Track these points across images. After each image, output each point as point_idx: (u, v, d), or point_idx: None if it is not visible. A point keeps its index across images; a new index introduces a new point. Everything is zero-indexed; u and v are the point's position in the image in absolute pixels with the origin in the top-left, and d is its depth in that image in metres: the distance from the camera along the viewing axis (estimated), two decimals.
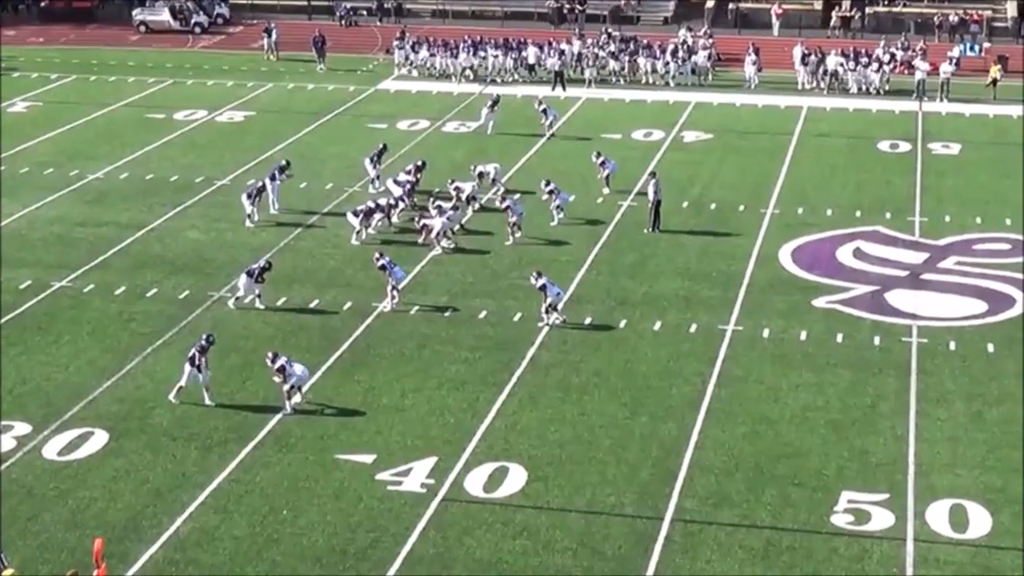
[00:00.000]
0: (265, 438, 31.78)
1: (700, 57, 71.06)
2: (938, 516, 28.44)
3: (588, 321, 38.48)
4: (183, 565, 26.63)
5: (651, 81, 70.35)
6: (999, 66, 67.43)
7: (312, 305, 39.62)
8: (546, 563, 26.83)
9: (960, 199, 50.24)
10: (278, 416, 32.78)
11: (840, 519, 28.39)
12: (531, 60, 71.33)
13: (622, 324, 38.26)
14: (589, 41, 73.42)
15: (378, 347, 36.84)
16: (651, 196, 46.30)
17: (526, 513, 28.64)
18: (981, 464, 30.63)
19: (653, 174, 47.38)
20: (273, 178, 47.90)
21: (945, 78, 66.57)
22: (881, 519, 28.35)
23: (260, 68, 73.70)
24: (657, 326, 38.22)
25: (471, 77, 70.48)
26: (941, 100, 66.07)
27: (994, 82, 66.94)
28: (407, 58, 73.03)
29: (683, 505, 28.97)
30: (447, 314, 39.03)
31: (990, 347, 36.88)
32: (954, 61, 69.09)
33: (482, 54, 71.44)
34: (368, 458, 30.82)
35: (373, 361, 36.01)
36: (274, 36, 76.34)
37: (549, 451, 31.26)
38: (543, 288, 37.77)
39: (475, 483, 29.81)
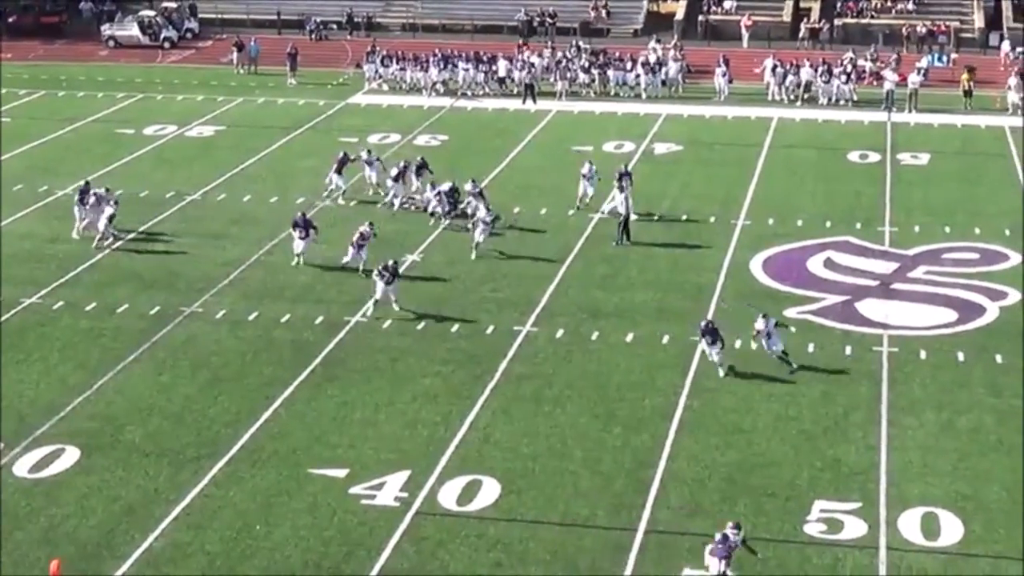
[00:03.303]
0: (237, 453, 31.69)
1: (672, 69, 71.28)
2: (910, 524, 28.56)
3: (560, 333, 38.52)
4: None
5: (621, 93, 70.53)
6: (968, 75, 67.77)
7: (284, 320, 39.55)
8: None
9: (929, 209, 50.48)
10: (251, 431, 32.71)
11: (813, 528, 28.47)
12: (501, 73, 71.43)
13: (594, 336, 38.31)
14: (559, 54, 73.62)
15: (351, 361, 36.81)
16: (620, 210, 46.39)
17: (500, 526, 28.64)
18: (952, 472, 30.76)
19: (621, 187, 47.38)
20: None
21: (913, 89, 66.89)
22: (854, 528, 28.45)
23: (230, 83, 73.59)
24: (629, 338, 38.28)
25: (441, 91, 70.53)
26: (910, 111, 66.40)
27: (967, 92, 67.30)
28: (377, 72, 73.04)
29: (657, 516, 29.02)
30: (420, 327, 39.01)
31: (960, 356, 37.05)
32: (922, 72, 69.44)
33: (453, 68, 71.50)
34: (341, 472, 30.77)
35: (346, 375, 35.97)
36: (253, 52, 76.22)
37: (522, 464, 31.27)
38: (768, 336, 35.90)
39: (448, 496, 29.80)
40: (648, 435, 32.65)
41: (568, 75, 70.51)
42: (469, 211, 46.57)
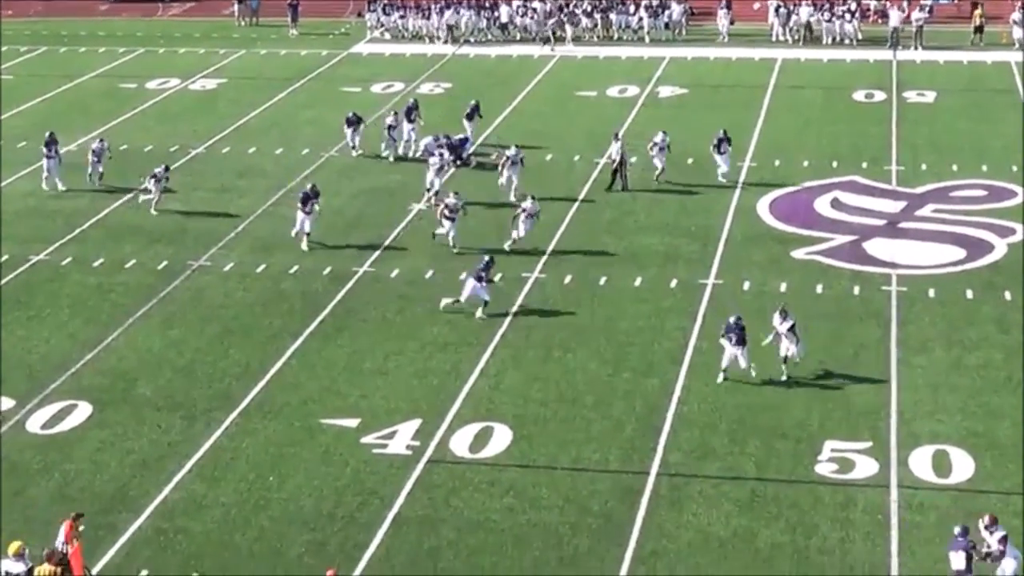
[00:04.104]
0: (249, 405, 31.77)
1: (676, 11, 70.95)
2: (921, 462, 28.60)
3: (568, 279, 38.51)
4: (172, 534, 26.65)
5: (624, 37, 70.23)
6: (980, 11, 67.42)
7: (292, 271, 39.56)
8: (533, 521, 26.92)
9: (936, 147, 50.34)
10: (262, 383, 32.78)
11: (824, 468, 28.53)
12: (503, 19, 71.12)
13: (602, 281, 38.30)
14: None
15: (360, 311, 36.84)
16: (615, 156, 46.09)
17: (512, 472, 28.72)
18: (962, 410, 30.80)
19: (617, 135, 47.11)
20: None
21: (919, 26, 66.57)
22: (865, 467, 28.50)
23: (232, 35, 73.40)
24: (637, 282, 38.27)
25: (445, 38, 70.27)
26: (916, 48, 66.08)
27: (978, 29, 66.96)
28: (379, 20, 72.75)
29: (668, 459, 29.08)
30: (428, 276, 39.01)
31: (969, 293, 37.02)
32: (927, 8, 69.06)
33: (455, 14, 71.22)
34: (353, 422, 30.85)
35: (355, 325, 36.00)
36: (254, 3, 75.89)
37: (533, 410, 31.33)
38: (791, 330, 32.36)
39: (460, 444, 29.88)
40: (658, 379, 32.68)
41: (572, 20, 70.23)
42: (503, 181, 45.72)
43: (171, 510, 27.52)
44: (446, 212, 40.44)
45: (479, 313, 36.00)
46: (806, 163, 48.04)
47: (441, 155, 45.67)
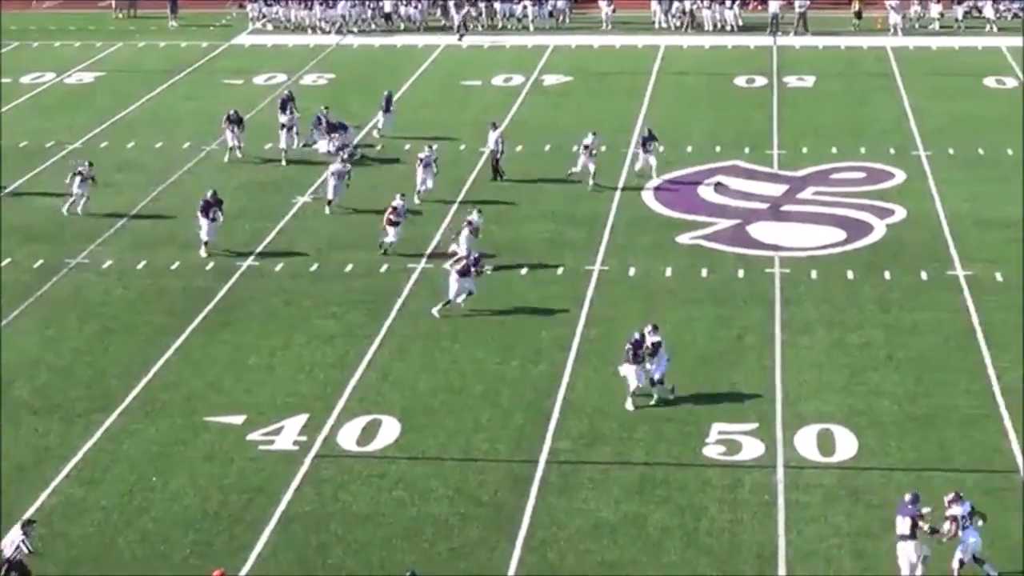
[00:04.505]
0: (130, 405, 31.20)
1: (560, 0, 71.15)
2: (806, 442, 28.86)
3: None
4: (50, 539, 25.95)
5: (509, 26, 70.19)
6: None
7: (173, 267, 39.00)
8: (423, 513, 26.76)
9: (816, 130, 50.90)
10: (143, 382, 32.23)
11: (712, 450, 28.68)
12: (387, 9, 70.78)
13: (488, 270, 38.19)
14: None
15: (244, 306, 36.42)
16: (492, 147, 45.90)
17: (401, 464, 28.53)
18: (845, 389, 31.12)
19: (495, 125, 46.97)
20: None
21: (802, 11, 67.26)
22: (752, 448, 28.69)
23: (108, 27, 72.35)
24: (524, 271, 38.24)
25: (328, 29, 69.78)
26: (798, 34, 66.74)
27: (858, 14, 67.82)
28: (261, 12, 72.08)
29: (557, 446, 29.06)
30: (313, 268, 38.68)
31: (850, 274, 37.43)
32: None
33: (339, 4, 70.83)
34: (238, 419, 30.45)
35: (239, 321, 35.59)
36: None
37: (422, 401, 31.17)
38: (656, 348, 30.72)
39: (348, 437, 29.62)
40: (546, 366, 32.67)
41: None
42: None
43: (49, 516, 26.82)
44: (391, 217, 39.54)
45: (460, 301, 35.57)
46: (689, 148, 48.36)
47: (344, 163, 44.64)
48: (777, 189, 44.48)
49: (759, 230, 40.98)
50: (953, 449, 28.49)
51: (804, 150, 48.39)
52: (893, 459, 28.18)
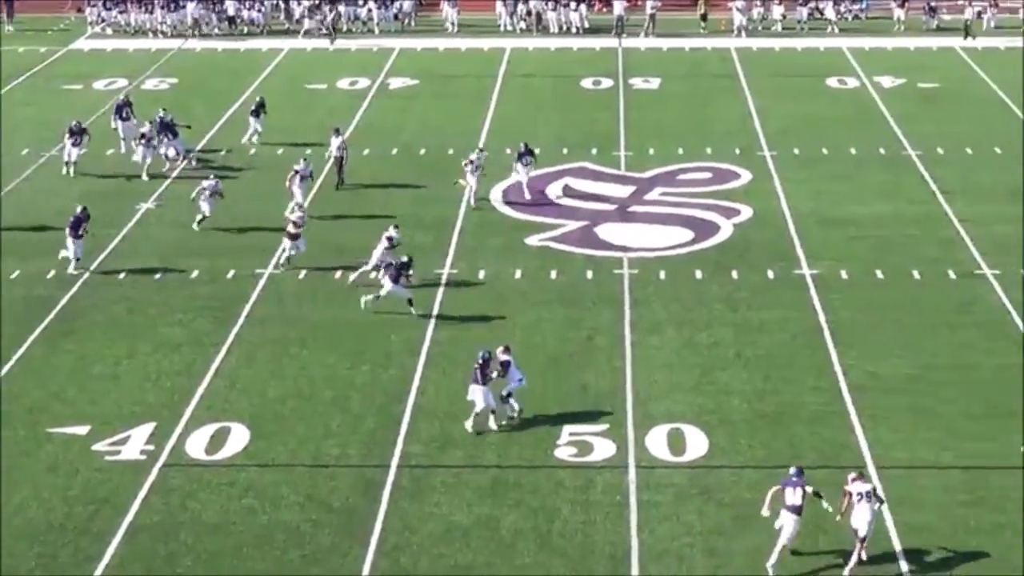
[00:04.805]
0: None
1: (406, 4, 70.94)
2: (657, 441, 29.05)
3: (303, 274, 38.00)
4: None
5: (354, 29, 69.84)
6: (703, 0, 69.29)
7: (13, 276, 38.06)
8: (274, 520, 26.43)
9: (662, 132, 51.38)
10: None
11: (563, 452, 28.74)
12: (231, 12, 70.00)
13: (337, 275, 37.89)
14: None
15: (87, 314, 35.68)
16: (335, 153, 45.50)
17: (251, 472, 28.15)
18: (695, 388, 31.41)
19: (337, 131, 46.61)
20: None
21: (651, 13, 67.87)
22: (603, 449, 28.80)
23: None
24: (373, 275, 37.95)
25: (168, 33, 68.80)
26: (648, 35, 67.36)
27: (703, 16, 68.65)
28: (100, 16, 70.80)
29: (409, 451, 28.91)
30: (157, 276, 38.04)
31: (698, 274, 37.81)
32: None
33: (179, 8, 69.80)
34: (83, 429, 29.80)
35: (83, 329, 34.85)
36: None
37: (271, 408, 30.80)
38: (506, 367, 30.18)
39: (196, 446, 29.16)
40: (396, 370, 32.50)
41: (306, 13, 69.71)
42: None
43: None
44: (291, 229, 38.61)
45: (413, 310, 35.18)
46: (537, 150, 48.38)
47: (215, 179, 43.33)
48: (624, 190, 44.80)
49: (607, 231, 41.23)
50: (802, 446, 28.88)
51: (651, 151, 48.83)
52: (743, 457, 28.50)
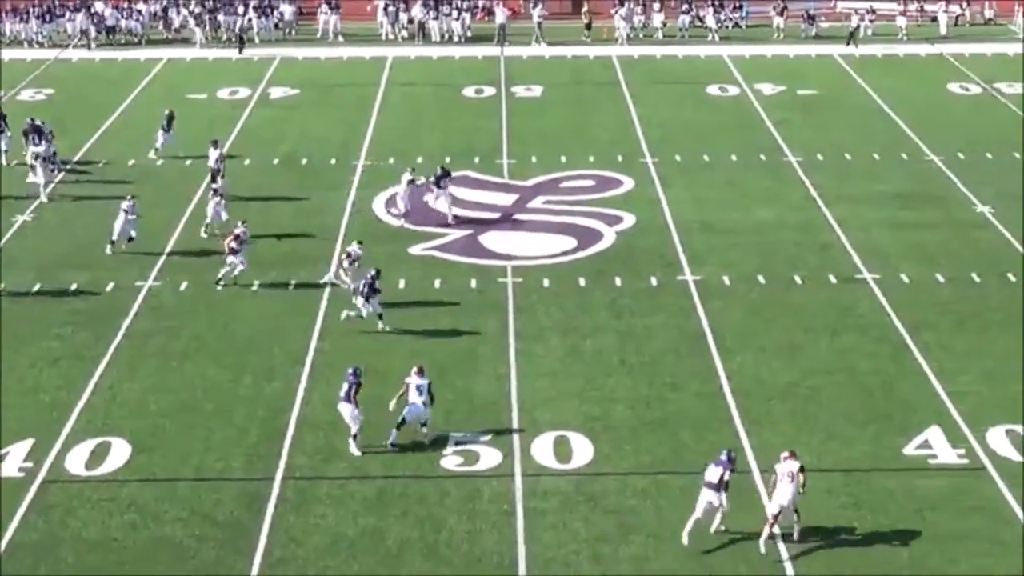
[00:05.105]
0: None
1: (287, 12, 70.53)
2: (543, 449, 29.09)
3: (184, 286, 37.58)
4: None
5: (234, 39, 69.20)
6: (585, 8, 69.57)
7: None
8: (157, 536, 26.09)
9: (545, 140, 51.52)
10: None
11: (449, 462, 28.67)
12: (110, 22, 69.09)
13: (219, 286, 37.51)
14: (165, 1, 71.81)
15: None
16: (212, 165, 45.00)
17: (132, 487, 27.75)
18: (579, 395, 31.48)
19: (215, 143, 46.14)
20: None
21: (538, 21, 68.04)
22: (489, 457, 28.78)
23: None
24: (255, 286, 37.67)
25: (45, 44, 67.73)
26: (537, 43, 67.51)
27: (588, 25, 69.02)
28: None
29: (293, 463, 28.68)
30: (35, 289, 37.38)
31: (581, 281, 37.94)
32: (538, 3, 70.96)
33: (56, 19, 68.79)
34: None
35: None
36: None
37: (152, 421, 30.39)
38: (418, 391, 29.34)
39: (76, 461, 28.69)
40: (280, 382, 32.23)
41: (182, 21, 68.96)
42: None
43: None
44: (232, 244, 37.77)
45: (381, 325, 34.61)
46: (420, 160, 48.30)
47: (132, 198, 41.96)
48: (508, 199, 44.85)
49: (491, 240, 41.24)
50: (687, 451, 29.07)
51: (533, 159, 48.94)
52: (628, 464, 28.62)
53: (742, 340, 34.37)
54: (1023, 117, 54.13)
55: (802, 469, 25.57)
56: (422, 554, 25.51)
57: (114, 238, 39.87)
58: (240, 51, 66.31)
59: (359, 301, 34.69)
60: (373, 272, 35.12)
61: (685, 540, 25.43)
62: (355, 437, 29.19)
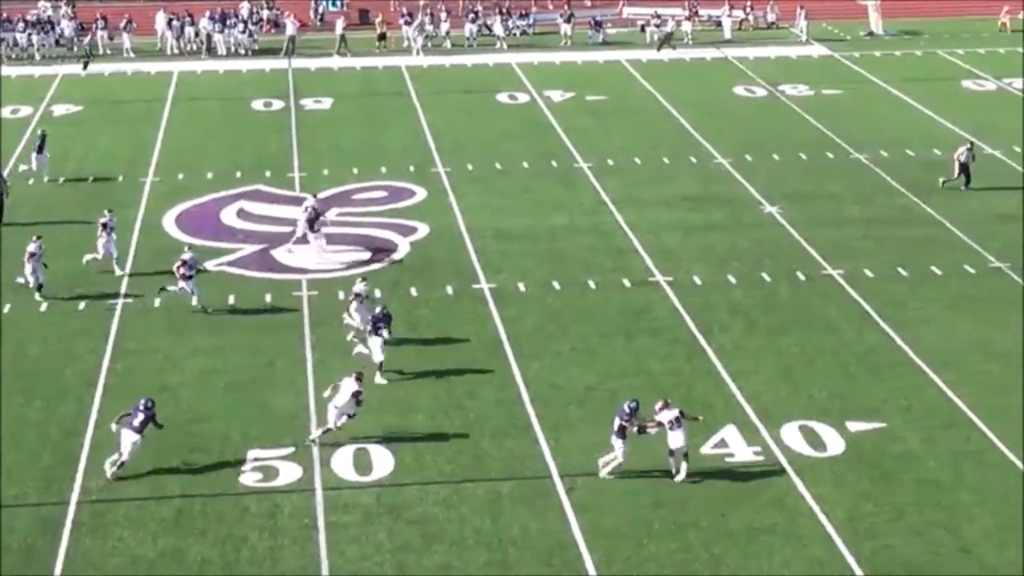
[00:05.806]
0: None
1: (68, 28, 69.18)
2: (343, 462, 28.95)
3: None
4: None
5: (13, 56, 67.65)
6: (380, 19, 69.81)
7: None
8: None
9: (336, 151, 51.41)
10: None
11: (249, 478, 28.37)
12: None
13: (6, 309, 36.56)
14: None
15: None
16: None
17: None
18: (379, 407, 31.32)
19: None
20: None
21: (341, 34, 67.81)
22: (289, 472, 28.55)
23: None
24: (44, 307, 36.84)
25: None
26: (340, 54, 67.23)
27: (382, 36, 69.11)
28: None
29: (88, 486, 28.07)
30: None
31: (377, 292, 37.84)
32: (320, 15, 70.82)
33: None
34: None
35: None
36: None
37: None
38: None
39: None
40: (73, 404, 31.55)
41: None
42: None
43: None
44: (183, 270, 36.50)
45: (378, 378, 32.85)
46: (210, 175, 47.82)
47: (37, 240, 39.93)
48: (300, 212, 44.48)
49: (285, 254, 40.94)
50: (487, 459, 29.21)
51: (325, 172, 48.75)
52: (429, 473, 28.65)
53: (539, 346, 34.68)
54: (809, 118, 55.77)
55: (682, 413, 28.12)
56: (223, 572, 25.19)
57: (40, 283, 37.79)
58: (84, 67, 64.81)
59: (376, 343, 32.94)
60: (384, 311, 33.54)
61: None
62: (120, 465, 28.31)
